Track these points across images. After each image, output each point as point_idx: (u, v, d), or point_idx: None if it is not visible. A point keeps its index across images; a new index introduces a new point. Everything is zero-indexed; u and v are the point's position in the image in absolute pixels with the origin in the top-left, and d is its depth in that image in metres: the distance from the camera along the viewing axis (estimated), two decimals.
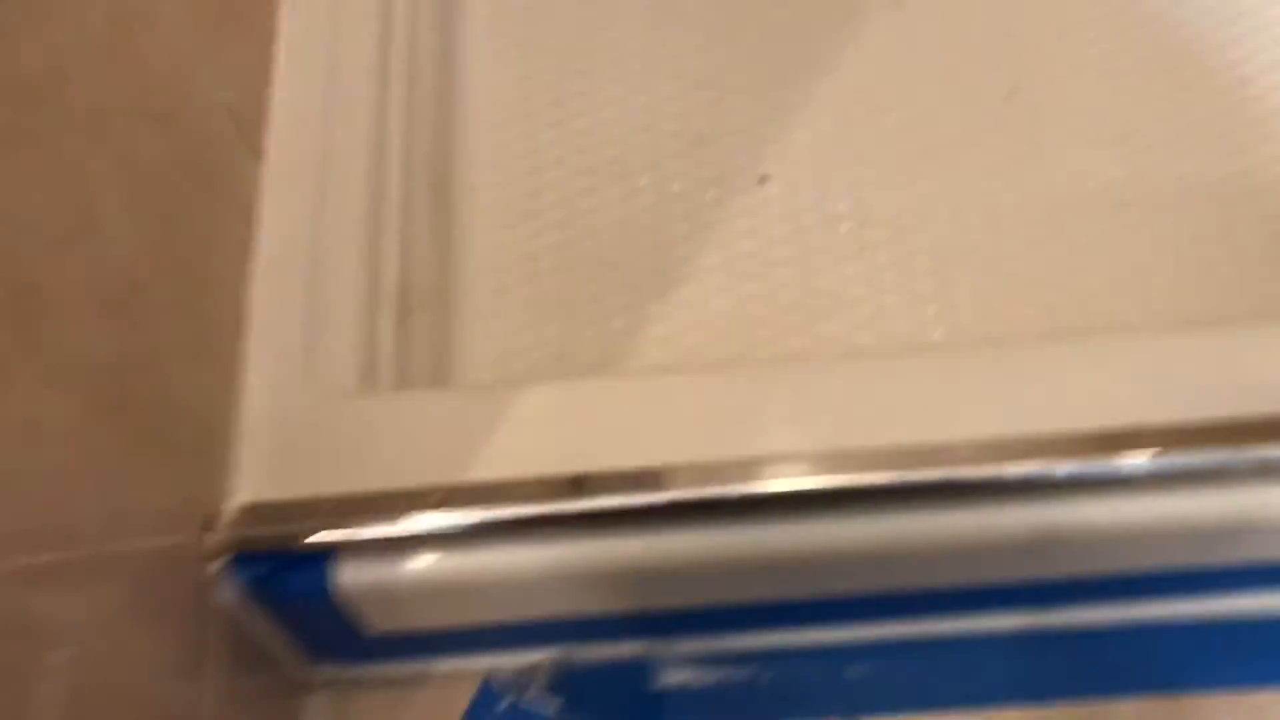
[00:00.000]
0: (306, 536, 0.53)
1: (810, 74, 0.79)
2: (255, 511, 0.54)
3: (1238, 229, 0.70)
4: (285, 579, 0.53)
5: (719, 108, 0.78)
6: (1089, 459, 0.52)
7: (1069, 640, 0.61)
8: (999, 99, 0.77)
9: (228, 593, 0.53)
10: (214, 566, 0.52)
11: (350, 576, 0.54)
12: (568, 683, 0.60)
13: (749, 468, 0.53)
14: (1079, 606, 0.61)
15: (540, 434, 0.56)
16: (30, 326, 0.38)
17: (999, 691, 0.60)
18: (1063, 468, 0.52)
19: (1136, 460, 0.52)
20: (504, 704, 0.60)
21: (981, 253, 0.71)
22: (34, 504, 0.38)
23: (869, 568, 0.57)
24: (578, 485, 0.54)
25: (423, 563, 0.54)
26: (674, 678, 0.62)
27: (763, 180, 0.75)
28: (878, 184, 0.74)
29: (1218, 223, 0.70)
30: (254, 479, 0.55)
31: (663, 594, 0.59)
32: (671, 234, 0.73)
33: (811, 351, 0.67)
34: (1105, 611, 0.61)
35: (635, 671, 0.61)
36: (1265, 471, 0.52)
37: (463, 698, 0.62)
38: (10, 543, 0.37)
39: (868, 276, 0.71)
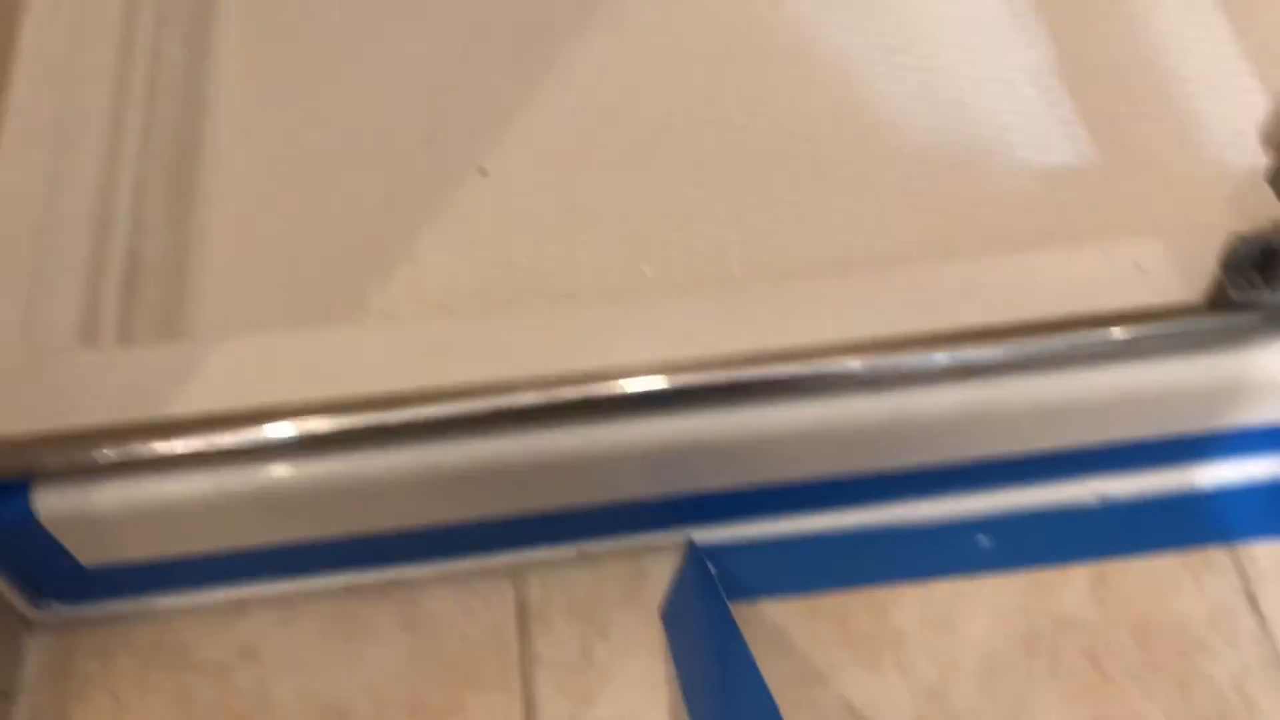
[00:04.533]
0: (7, 466, 0.59)
1: (532, 84, 0.88)
2: None
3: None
4: None
5: (448, 112, 0.87)
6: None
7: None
8: (698, 106, 0.87)
9: None
10: None
11: (54, 502, 0.60)
12: None
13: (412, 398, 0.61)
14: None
15: (249, 375, 0.63)
16: None
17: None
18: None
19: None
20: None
21: (670, 243, 0.80)
22: None
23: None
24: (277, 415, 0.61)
25: (124, 489, 0.60)
26: None
27: (483, 174, 0.84)
28: (584, 179, 0.83)
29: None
30: None
31: (361, 517, 0.66)
32: (396, 222, 0.81)
33: None
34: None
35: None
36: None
37: (185, 631, 0.68)
38: None
39: (568, 258, 0.79)
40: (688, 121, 0.86)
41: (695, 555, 0.69)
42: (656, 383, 0.61)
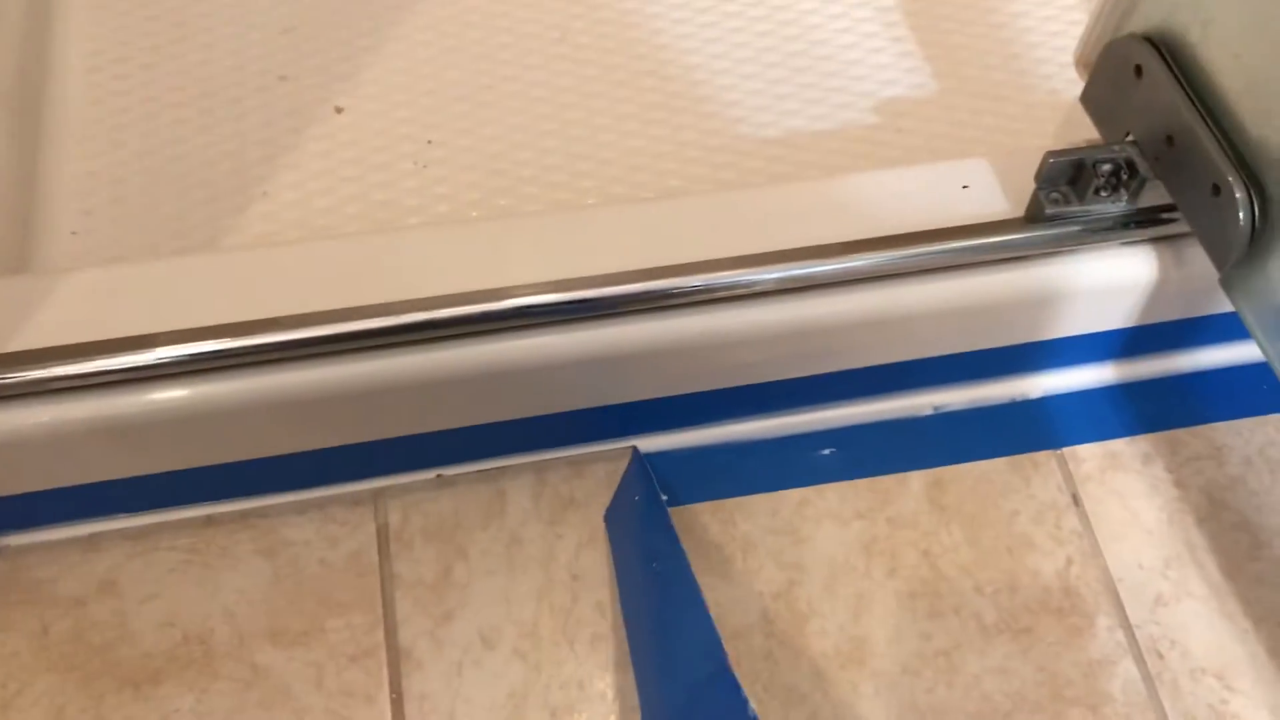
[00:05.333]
0: None
1: (383, 21, 0.88)
2: None
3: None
4: None
5: (300, 50, 0.87)
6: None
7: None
8: (551, 41, 0.88)
9: None
10: None
11: None
12: None
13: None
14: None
15: (94, 307, 0.62)
16: None
17: None
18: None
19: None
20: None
21: (525, 176, 0.81)
22: None
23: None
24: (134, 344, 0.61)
25: None
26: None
27: (338, 111, 0.84)
28: (439, 113, 0.84)
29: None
30: None
31: (216, 447, 0.66)
32: (250, 159, 0.81)
33: None
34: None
35: None
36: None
37: (40, 568, 0.68)
38: None
39: (423, 190, 0.80)
40: (542, 58, 0.87)
41: (639, 461, 0.71)
42: (506, 305, 0.63)
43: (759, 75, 0.87)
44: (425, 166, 0.82)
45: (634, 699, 0.64)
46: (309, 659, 0.65)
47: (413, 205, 0.80)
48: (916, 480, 0.71)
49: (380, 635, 0.66)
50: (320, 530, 0.69)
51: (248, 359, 0.62)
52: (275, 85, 0.85)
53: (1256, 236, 0.58)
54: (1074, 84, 0.76)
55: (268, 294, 0.63)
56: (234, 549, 0.68)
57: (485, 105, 0.85)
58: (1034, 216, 0.65)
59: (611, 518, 0.70)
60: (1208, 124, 0.59)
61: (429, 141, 0.83)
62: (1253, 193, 0.58)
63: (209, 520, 0.69)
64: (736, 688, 0.53)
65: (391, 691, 0.64)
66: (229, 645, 0.65)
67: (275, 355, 0.62)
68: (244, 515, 0.70)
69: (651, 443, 0.72)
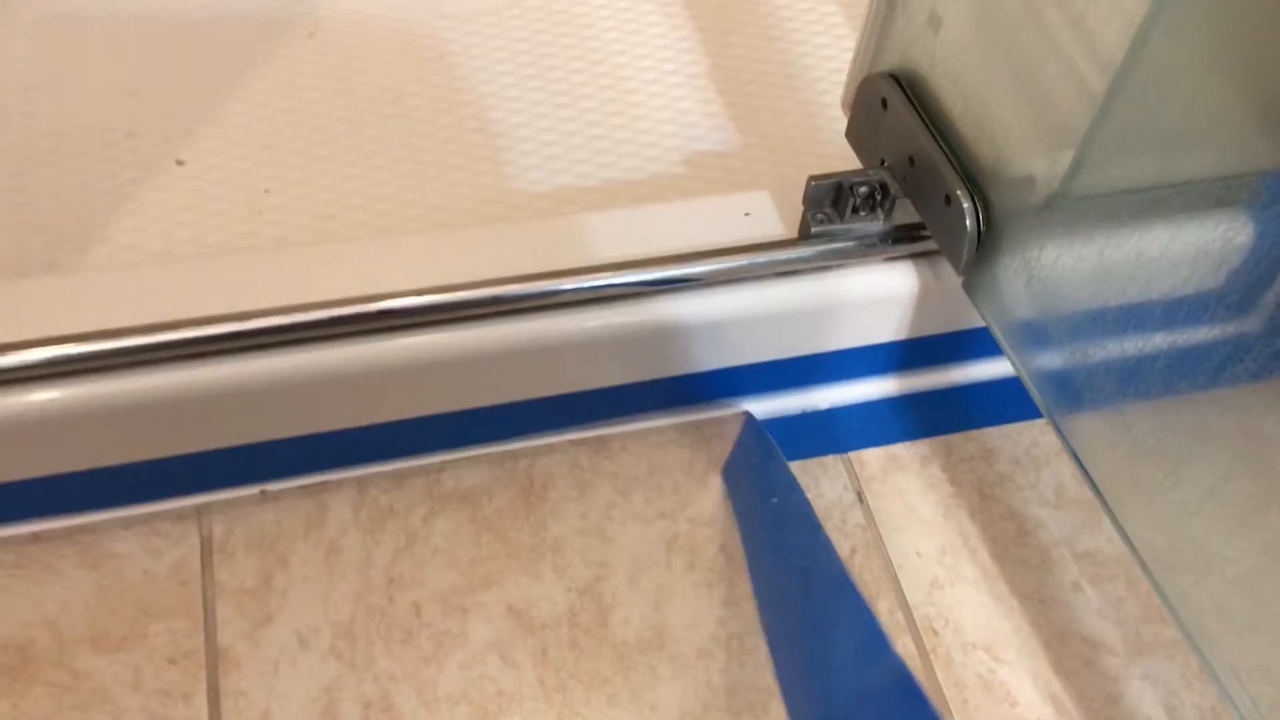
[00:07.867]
0: None
1: (229, 85, 0.94)
2: None
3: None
4: None
5: (148, 110, 0.92)
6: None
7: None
8: (386, 103, 0.95)
9: None
10: None
11: None
12: None
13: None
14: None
15: None
16: None
17: None
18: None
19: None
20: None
21: (355, 218, 0.87)
22: None
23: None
24: None
25: None
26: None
27: (179, 163, 0.89)
28: (276, 165, 0.90)
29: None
30: None
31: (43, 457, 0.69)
32: (92, 208, 0.86)
33: None
34: None
35: None
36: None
37: None
38: None
39: (257, 233, 0.85)
40: (377, 117, 0.94)
41: (752, 423, 0.78)
42: (320, 316, 0.68)
43: (580, 133, 0.95)
44: (261, 213, 0.87)
45: (452, 689, 0.67)
46: (128, 662, 0.67)
47: (246, 247, 0.84)
48: (716, 482, 0.77)
49: (200, 638, 0.69)
50: (145, 543, 0.72)
51: (67, 368, 0.66)
52: (121, 140, 0.90)
53: (983, 240, 0.66)
54: None
55: (92, 309, 0.67)
56: (58, 564, 0.71)
57: (321, 159, 0.91)
58: (802, 235, 0.73)
59: (730, 474, 0.76)
60: (939, 144, 0.68)
61: (265, 191, 0.88)
62: (977, 201, 0.66)
63: (35, 538, 0.72)
64: (923, 701, 0.47)
65: (209, 689, 0.67)
66: (49, 653, 0.67)
67: (97, 364, 0.66)
68: (69, 532, 0.72)
69: (457, 456, 0.77)
